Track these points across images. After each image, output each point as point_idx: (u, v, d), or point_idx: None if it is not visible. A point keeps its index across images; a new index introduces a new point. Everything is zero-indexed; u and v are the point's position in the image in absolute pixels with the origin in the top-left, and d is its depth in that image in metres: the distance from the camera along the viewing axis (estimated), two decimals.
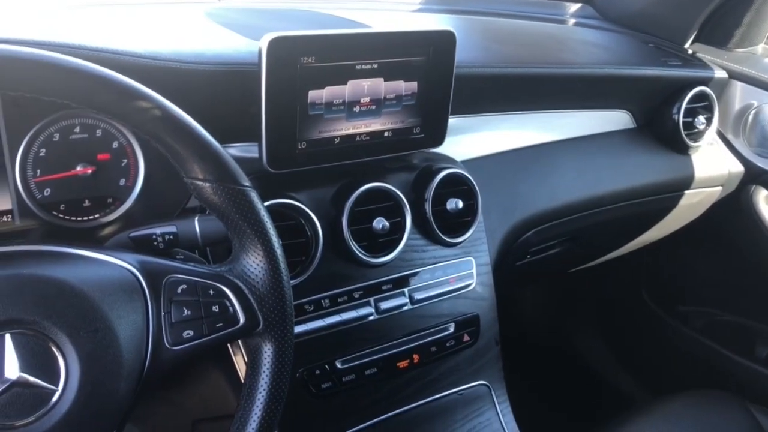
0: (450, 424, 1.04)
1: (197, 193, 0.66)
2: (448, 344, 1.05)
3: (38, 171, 0.81)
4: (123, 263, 0.64)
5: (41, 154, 0.81)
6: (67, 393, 0.58)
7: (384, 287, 0.99)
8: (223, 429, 0.72)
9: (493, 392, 1.09)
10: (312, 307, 0.93)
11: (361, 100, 0.93)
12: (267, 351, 0.69)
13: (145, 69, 0.80)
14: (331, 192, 0.96)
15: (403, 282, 1.01)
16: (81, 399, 0.58)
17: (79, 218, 0.84)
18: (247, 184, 0.67)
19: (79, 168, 0.83)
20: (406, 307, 1.00)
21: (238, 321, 0.67)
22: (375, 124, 0.96)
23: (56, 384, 0.57)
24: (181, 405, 0.98)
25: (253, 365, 0.69)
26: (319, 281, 0.94)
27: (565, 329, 2.07)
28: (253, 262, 0.68)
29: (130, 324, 0.61)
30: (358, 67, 0.91)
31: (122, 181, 0.87)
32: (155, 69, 0.80)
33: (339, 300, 0.95)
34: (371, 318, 0.97)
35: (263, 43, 0.82)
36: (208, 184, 0.65)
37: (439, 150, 1.07)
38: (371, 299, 0.98)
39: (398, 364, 1.00)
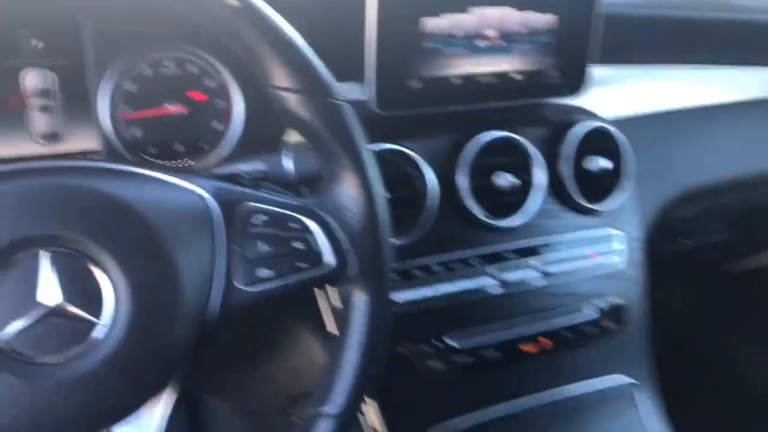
0: (583, 424, 0.88)
1: (281, 106, 0.56)
2: (587, 330, 0.90)
3: (127, 107, 0.75)
4: (193, 187, 0.54)
5: (131, 89, 0.75)
6: (112, 330, 0.48)
7: (507, 256, 0.85)
8: None
9: (639, 391, 0.92)
10: (420, 272, 0.81)
11: (487, 33, 0.80)
12: (360, 299, 0.57)
13: None
14: (447, 140, 0.84)
15: (531, 252, 0.86)
16: (128, 338, 0.48)
17: (170, 162, 0.78)
18: (340, 98, 0.57)
19: (170, 106, 0.77)
20: (537, 283, 0.86)
21: (324, 262, 0.56)
22: (503, 64, 0.82)
23: (99, 317, 0.48)
24: (272, 378, 0.89)
25: (343, 319, 0.58)
26: (429, 243, 0.82)
27: (723, 337, 1.81)
28: (346, 194, 0.57)
29: (194, 256, 0.52)
30: None
31: (217, 125, 0.80)
32: None
33: (452, 267, 0.83)
34: (493, 291, 0.84)
35: None
36: (294, 95, 0.55)
37: (576, 103, 0.92)
38: (491, 269, 0.84)
39: (523, 348, 0.86)
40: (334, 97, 0.56)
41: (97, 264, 0.49)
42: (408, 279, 0.81)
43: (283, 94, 0.56)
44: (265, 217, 0.55)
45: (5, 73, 0.69)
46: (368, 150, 0.58)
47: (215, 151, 0.80)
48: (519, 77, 0.83)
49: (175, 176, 0.55)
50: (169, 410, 0.55)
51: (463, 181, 0.82)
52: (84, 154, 0.74)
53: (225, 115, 0.80)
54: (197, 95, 0.78)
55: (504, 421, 0.85)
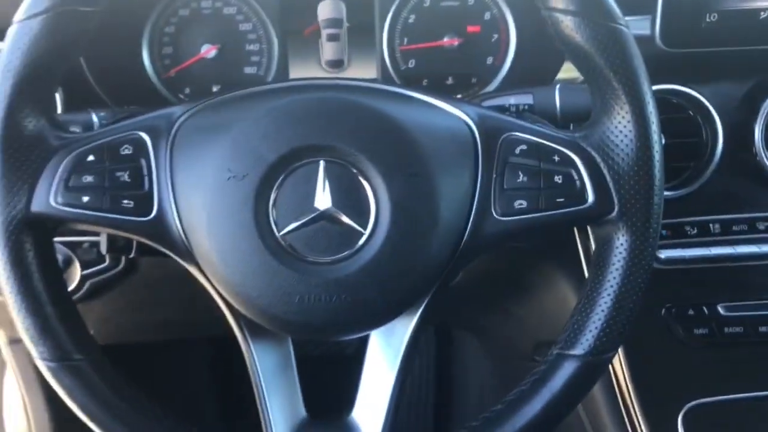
0: None
1: (555, 29, 0.55)
2: None
3: (405, 39, 0.80)
4: (459, 112, 0.56)
5: (410, 20, 0.80)
6: (373, 238, 0.52)
7: None
8: None
9: None
10: (695, 230, 0.77)
11: None
12: (620, 244, 0.55)
13: None
14: (742, 86, 0.78)
15: None
16: (388, 249, 0.52)
17: None
18: (622, 22, 0.53)
19: (445, 39, 0.80)
20: None
21: (585, 199, 0.54)
22: None
23: (365, 226, 0.52)
24: (523, 323, 0.89)
25: (598, 261, 0.56)
26: (709, 199, 0.78)
27: None
28: (617, 129, 0.54)
29: (454, 180, 0.54)
30: None
31: (489, 60, 0.82)
32: None
33: (734, 228, 0.78)
34: None
35: None
36: (569, 17, 0.53)
37: None
38: None
39: None
40: (616, 21, 0.53)
41: (366, 177, 0.52)
42: (679, 236, 0.77)
43: (560, 16, 0.54)
44: (527, 148, 0.55)
45: (306, 3, 0.77)
46: (649, 83, 0.54)
47: (484, 87, 0.81)
48: None
49: (444, 101, 0.57)
50: (421, 330, 0.59)
51: (758, 132, 0.75)
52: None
53: (498, 49, 0.81)
54: (473, 27, 0.80)
55: None
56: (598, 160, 0.54)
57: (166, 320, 0.91)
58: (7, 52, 0.52)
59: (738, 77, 0.79)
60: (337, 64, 0.80)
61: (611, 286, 0.55)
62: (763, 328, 0.78)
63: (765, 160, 0.76)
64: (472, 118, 0.56)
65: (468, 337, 1.27)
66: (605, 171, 0.54)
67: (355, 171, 0.52)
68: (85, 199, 0.53)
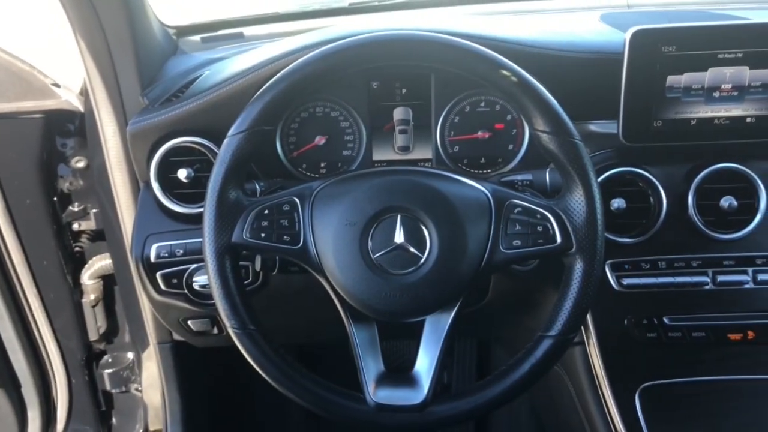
0: None
1: (538, 141, 0.87)
2: None
3: (452, 132, 1.12)
4: (481, 187, 0.89)
5: (455, 120, 1.12)
6: (428, 260, 0.86)
7: (725, 262, 1.04)
8: None
9: None
10: (648, 266, 1.05)
11: (722, 86, 1.01)
12: (578, 269, 0.86)
13: (526, 55, 1.03)
14: (682, 168, 1.06)
15: (748, 261, 1.04)
16: (436, 267, 0.85)
17: (476, 171, 1.13)
18: (577, 138, 0.86)
19: (479, 133, 1.12)
20: (747, 285, 1.04)
21: (555, 241, 0.86)
22: (736, 110, 1.02)
23: (423, 253, 0.86)
24: (531, 330, 1.20)
25: (565, 280, 0.87)
26: (658, 245, 1.05)
27: None
28: (575, 200, 0.86)
29: (477, 227, 0.87)
30: (720, 56, 0.99)
31: (510, 146, 1.13)
32: (534, 55, 1.03)
33: (675, 265, 1.05)
34: (706, 287, 1.04)
35: (628, 35, 0.99)
36: (547, 135, 0.86)
37: None
38: (709, 270, 1.04)
39: (730, 335, 1.04)
40: (574, 138, 0.86)
41: (424, 224, 0.86)
42: (637, 269, 1.05)
43: (540, 134, 0.86)
44: (522, 209, 0.87)
45: (386, 108, 1.11)
46: (594, 174, 0.86)
47: (507, 165, 1.12)
48: (750, 120, 1.02)
49: (471, 180, 0.90)
50: (457, 319, 0.89)
51: (691, 200, 1.03)
52: (422, 161, 1.13)
53: (516, 139, 1.11)
54: (499, 125, 1.11)
55: (708, 384, 1.03)
56: (564, 218, 0.86)
57: (284, 324, 1.19)
58: (221, 154, 0.87)
59: (678, 162, 1.05)
60: (405, 149, 1.12)
61: (573, 294, 0.86)
62: (695, 334, 1.03)
63: (695, 218, 1.03)
64: (488, 191, 0.88)
65: (504, 349, 1.56)
66: (568, 224, 0.86)
67: (418, 222, 0.86)
68: (263, 235, 0.87)
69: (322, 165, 1.14)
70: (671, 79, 1.01)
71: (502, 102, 1.11)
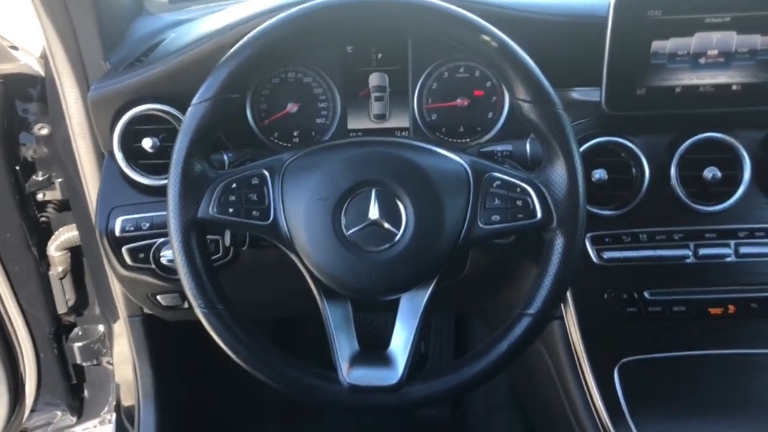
0: (761, 380, 1.02)
1: (519, 110, 0.83)
2: None
3: (429, 99, 1.08)
4: (459, 159, 0.86)
5: (433, 87, 1.07)
6: (403, 237, 0.82)
7: (707, 235, 1.02)
8: None
9: None
10: (629, 239, 1.03)
11: (708, 53, 0.98)
12: (558, 244, 0.83)
13: (508, 18, 0.99)
14: (665, 137, 1.03)
15: (729, 234, 1.03)
16: (412, 243, 0.82)
17: (454, 140, 1.09)
18: (560, 108, 0.82)
19: (458, 100, 1.08)
20: (728, 259, 1.02)
21: (536, 215, 0.83)
22: (722, 77, 0.99)
23: (398, 229, 0.83)
24: (511, 304, 1.18)
25: (545, 254, 0.84)
26: (640, 217, 1.03)
27: None
28: (556, 173, 0.82)
29: (454, 201, 0.83)
30: (707, 20, 0.96)
31: (490, 114, 1.09)
32: (516, 18, 0.99)
33: (657, 237, 1.03)
34: (687, 261, 1.02)
35: None
36: (528, 104, 0.82)
37: None
38: (691, 243, 1.02)
39: (710, 310, 1.03)
40: (557, 107, 0.82)
41: (400, 199, 0.83)
42: (617, 242, 1.03)
43: (521, 102, 0.83)
44: (501, 183, 0.84)
45: (360, 74, 1.07)
46: (577, 145, 0.82)
47: (486, 134, 1.08)
48: (736, 87, 0.99)
49: (449, 151, 0.86)
50: (432, 297, 0.86)
51: (674, 171, 1.01)
52: (399, 130, 1.09)
53: (496, 107, 1.07)
54: (479, 92, 1.07)
55: (689, 358, 1.02)
56: (545, 191, 0.82)
57: (255, 299, 1.18)
58: (185, 123, 0.83)
59: (661, 132, 1.03)
60: (381, 117, 1.08)
61: (553, 271, 0.83)
62: (675, 308, 1.02)
63: (678, 190, 1.01)
64: (467, 163, 0.85)
65: (482, 323, 1.55)
66: (549, 198, 0.82)
67: (394, 196, 0.83)
68: (231, 210, 0.83)
69: (295, 134, 1.10)
70: (656, 45, 0.97)
71: (481, 68, 1.07)
